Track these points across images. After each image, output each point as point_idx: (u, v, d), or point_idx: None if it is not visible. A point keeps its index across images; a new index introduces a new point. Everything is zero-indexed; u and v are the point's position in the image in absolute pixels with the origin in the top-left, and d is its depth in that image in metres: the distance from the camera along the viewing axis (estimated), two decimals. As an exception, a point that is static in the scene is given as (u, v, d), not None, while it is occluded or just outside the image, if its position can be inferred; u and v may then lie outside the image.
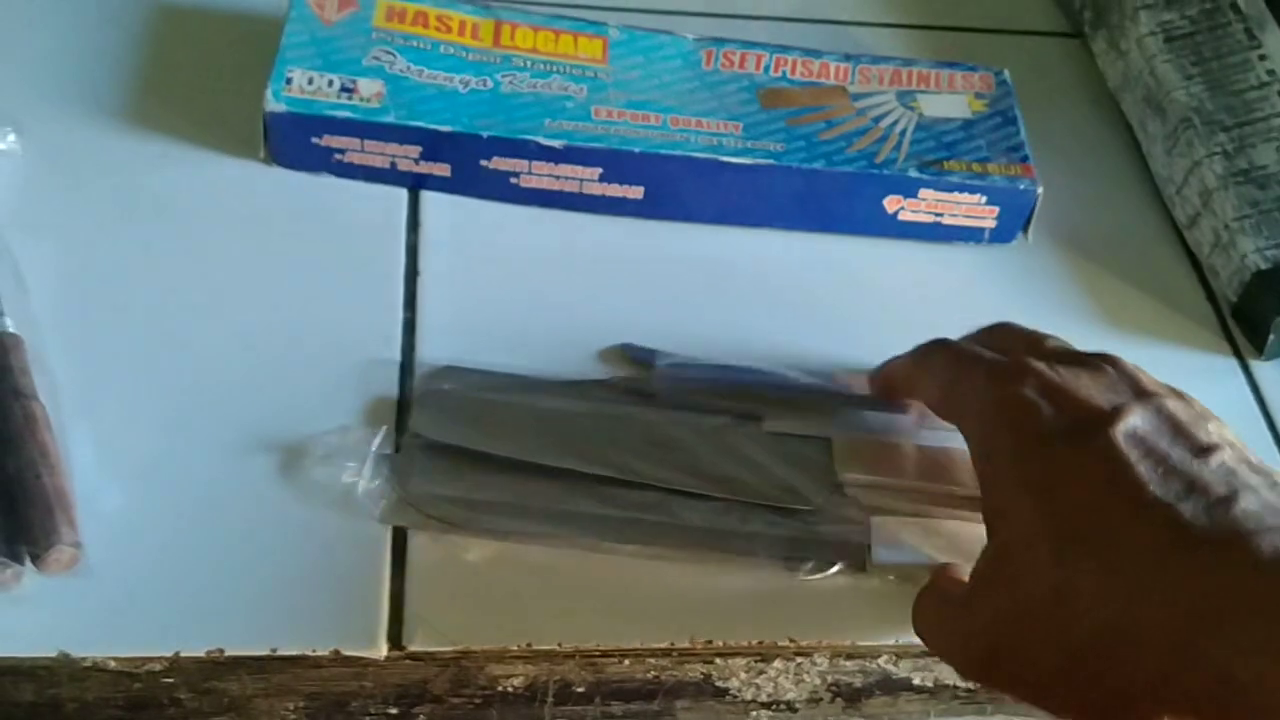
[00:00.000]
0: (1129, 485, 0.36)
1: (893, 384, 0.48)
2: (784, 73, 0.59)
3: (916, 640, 0.44)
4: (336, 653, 0.42)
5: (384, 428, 0.46)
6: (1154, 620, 0.34)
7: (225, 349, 0.49)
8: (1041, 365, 0.40)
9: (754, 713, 0.47)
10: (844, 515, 0.46)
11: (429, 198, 0.55)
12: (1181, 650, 0.33)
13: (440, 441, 0.46)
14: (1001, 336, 0.45)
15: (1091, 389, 0.39)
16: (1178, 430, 0.38)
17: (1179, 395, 0.40)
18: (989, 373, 0.41)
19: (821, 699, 0.47)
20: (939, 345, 0.45)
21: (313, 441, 0.45)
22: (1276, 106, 0.58)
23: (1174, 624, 0.33)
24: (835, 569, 0.45)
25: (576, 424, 0.47)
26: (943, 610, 0.41)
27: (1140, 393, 0.39)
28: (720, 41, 0.60)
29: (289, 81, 0.53)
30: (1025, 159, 0.58)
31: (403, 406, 0.48)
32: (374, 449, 0.45)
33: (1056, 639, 0.36)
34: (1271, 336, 0.55)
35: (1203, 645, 0.33)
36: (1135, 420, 0.37)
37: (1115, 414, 0.37)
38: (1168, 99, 0.60)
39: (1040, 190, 0.57)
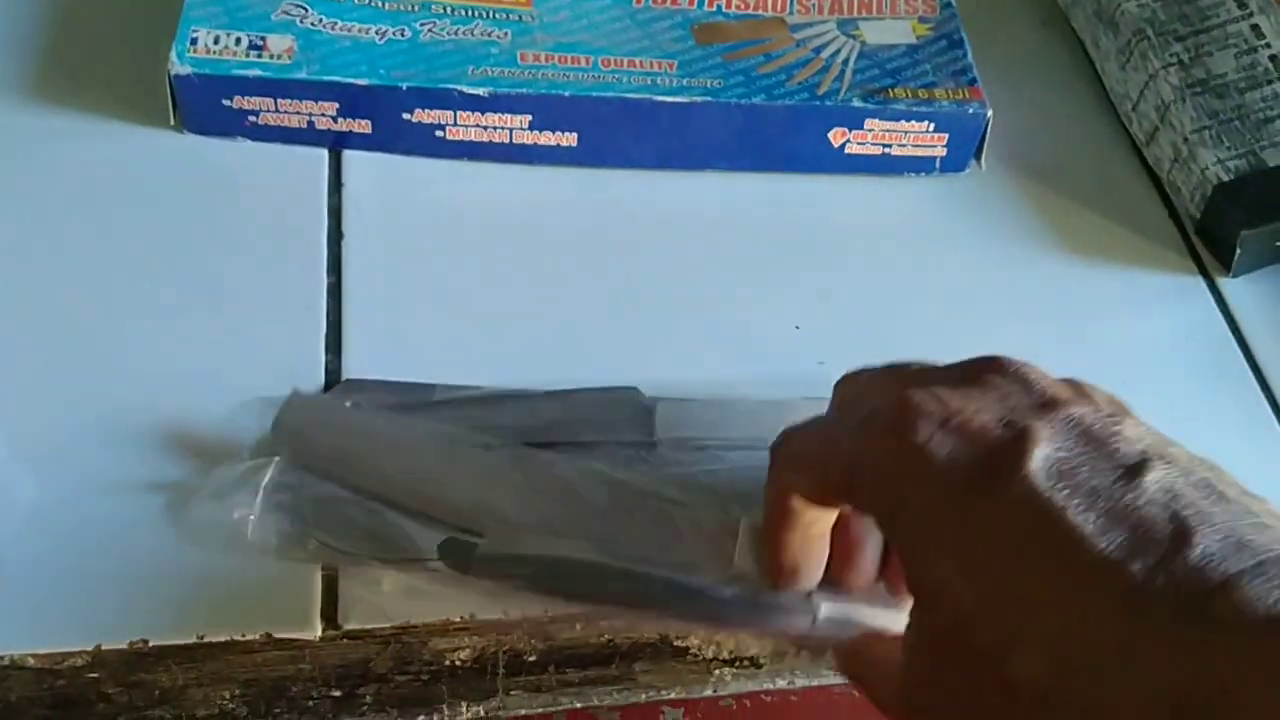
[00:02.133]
0: (1065, 544, 0.29)
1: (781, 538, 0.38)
2: (719, 7, 0.57)
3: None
4: (268, 636, 0.39)
5: (275, 459, 0.42)
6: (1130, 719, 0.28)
7: (142, 329, 0.46)
8: (920, 394, 0.33)
9: (717, 671, 0.45)
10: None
11: (351, 157, 0.53)
12: None
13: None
14: (850, 388, 0.37)
15: (985, 412, 0.32)
16: (1097, 447, 0.31)
17: (1078, 390, 0.34)
18: (864, 430, 0.34)
19: (786, 651, 0.45)
20: (782, 439, 0.37)
21: (203, 477, 0.42)
22: (1233, 11, 0.56)
23: None
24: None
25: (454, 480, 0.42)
26: (872, 675, 0.36)
27: (1041, 405, 0.33)
28: (651, -22, 0.57)
29: (194, 42, 0.51)
30: (973, 82, 0.55)
31: (330, 376, 0.46)
32: (265, 482, 0.41)
33: None
34: (1238, 251, 0.53)
35: None
36: (1047, 449, 0.31)
37: (1023, 443, 0.31)
38: (1119, 12, 0.58)
39: (990, 114, 0.54)
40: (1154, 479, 0.30)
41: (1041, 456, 0.31)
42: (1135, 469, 0.30)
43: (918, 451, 0.32)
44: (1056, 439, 0.31)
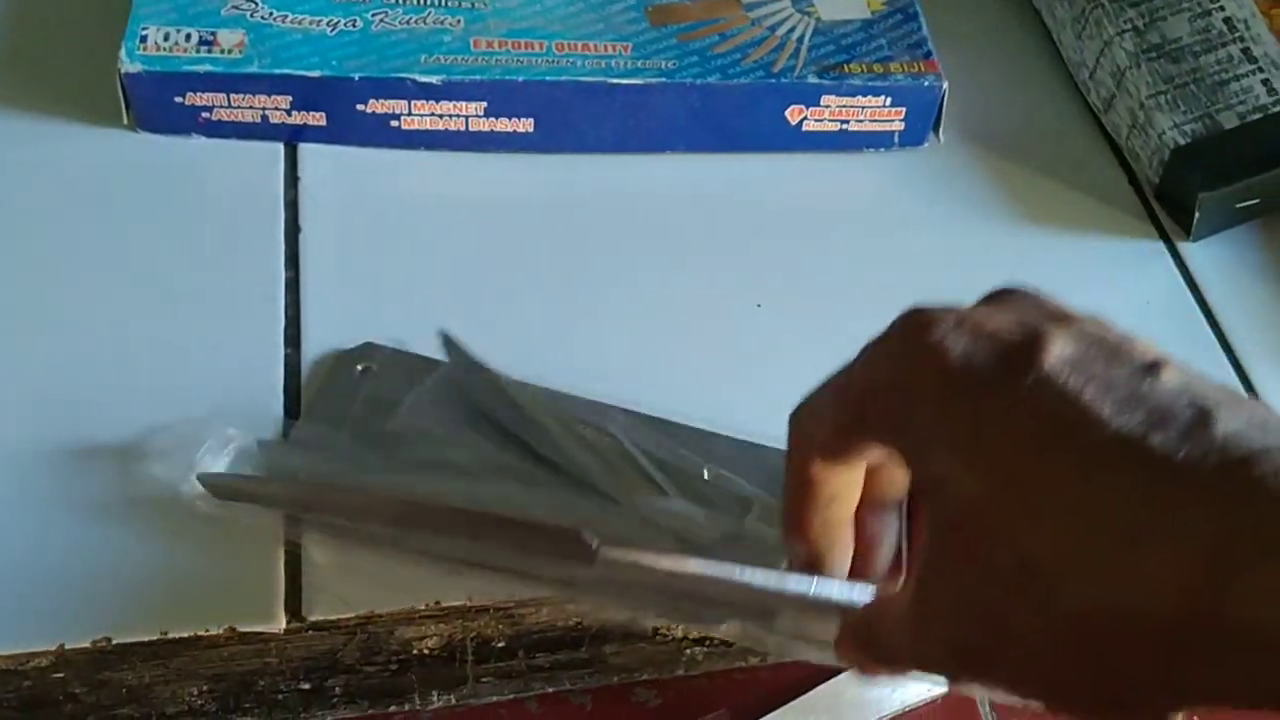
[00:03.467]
0: (1081, 423, 0.29)
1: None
2: (673, -13, 0.57)
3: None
4: (232, 630, 0.39)
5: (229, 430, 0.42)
6: (1155, 584, 0.27)
7: (100, 329, 0.46)
8: (936, 309, 0.32)
9: (688, 650, 0.45)
10: None
11: (306, 150, 0.52)
12: (1202, 616, 0.26)
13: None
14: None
15: (1002, 319, 0.31)
16: (1112, 351, 0.30)
17: (1095, 319, 0.32)
18: (874, 351, 0.33)
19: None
20: (799, 404, 0.36)
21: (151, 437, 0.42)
22: (1184, -24, 0.56)
23: (1184, 583, 0.27)
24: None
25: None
26: (882, 624, 0.34)
27: (1056, 317, 0.32)
28: (603, -39, 0.57)
29: (144, 39, 0.50)
30: (929, 55, 0.55)
31: (289, 370, 0.45)
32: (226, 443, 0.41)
33: (1034, 621, 0.29)
34: (1197, 215, 0.53)
35: (1230, 608, 0.26)
36: (1062, 346, 0.30)
37: (1039, 341, 0.30)
38: (1072, -21, 0.58)
39: (945, 86, 0.54)
40: (1170, 376, 0.29)
41: (1057, 353, 0.30)
42: (1151, 367, 0.29)
43: (930, 351, 0.31)
44: (1071, 343, 0.30)
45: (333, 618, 0.40)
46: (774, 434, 0.35)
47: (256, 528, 0.41)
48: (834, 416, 0.34)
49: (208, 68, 0.50)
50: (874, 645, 0.35)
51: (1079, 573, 0.28)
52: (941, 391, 0.30)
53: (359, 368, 0.45)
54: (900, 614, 0.32)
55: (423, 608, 0.40)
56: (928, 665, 0.33)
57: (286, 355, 0.46)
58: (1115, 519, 0.28)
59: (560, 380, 0.45)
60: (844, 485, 0.35)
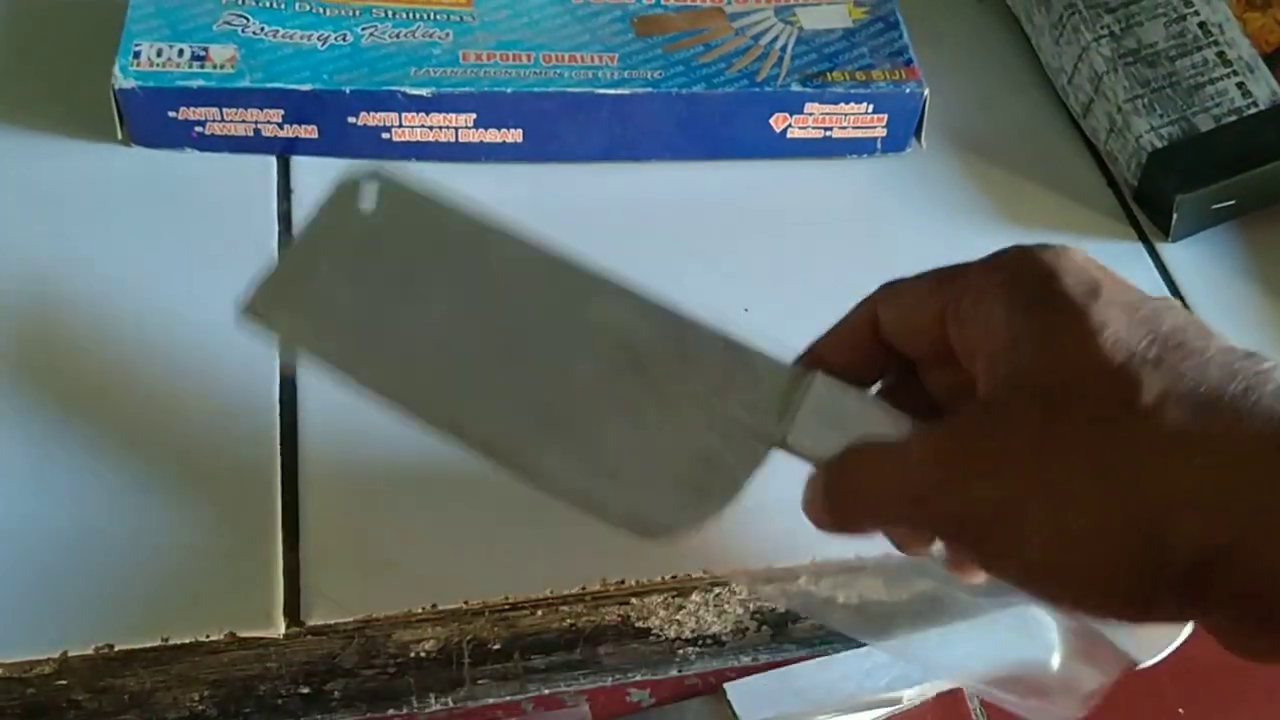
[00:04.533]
0: (1132, 354, 0.31)
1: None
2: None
3: (832, 554, 0.43)
4: (232, 635, 0.40)
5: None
6: (1187, 485, 0.29)
7: (95, 346, 0.47)
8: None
9: (680, 650, 0.46)
10: None
11: (299, 163, 0.53)
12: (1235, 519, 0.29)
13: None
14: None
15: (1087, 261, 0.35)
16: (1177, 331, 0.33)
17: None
18: (980, 263, 0.35)
19: (747, 629, 0.46)
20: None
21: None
22: (1160, -17, 0.57)
23: (1214, 492, 0.29)
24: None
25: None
26: (891, 462, 0.34)
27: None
28: (589, -27, 0.58)
29: (137, 55, 0.51)
30: (909, 62, 0.56)
31: (284, 404, 0.45)
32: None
33: (1046, 507, 0.31)
34: (1175, 216, 0.54)
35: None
36: (1132, 295, 0.34)
37: (1106, 285, 0.34)
38: (1050, -13, 0.59)
39: (926, 92, 0.55)
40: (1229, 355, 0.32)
41: (1127, 298, 0.33)
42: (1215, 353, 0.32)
43: (1023, 261, 0.34)
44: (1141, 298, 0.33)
45: (331, 621, 0.41)
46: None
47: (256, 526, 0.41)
48: (926, 286, 0.36)
49: (200, 83, 0.51)
50: (863, 489, 0.35)
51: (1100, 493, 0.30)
52: (1020, 295, 0.33)
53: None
54: (917, 461, 0.33)
55: (420, 611, 0.41)
56: (928, 520, 0.33)
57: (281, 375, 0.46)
58: (1143, 436, 0.30)
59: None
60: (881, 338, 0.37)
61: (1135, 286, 0.34)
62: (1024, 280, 0.34)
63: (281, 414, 0.45)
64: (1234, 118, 0.54)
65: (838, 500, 0.35)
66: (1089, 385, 0.31)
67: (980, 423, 0.33)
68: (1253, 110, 0.54)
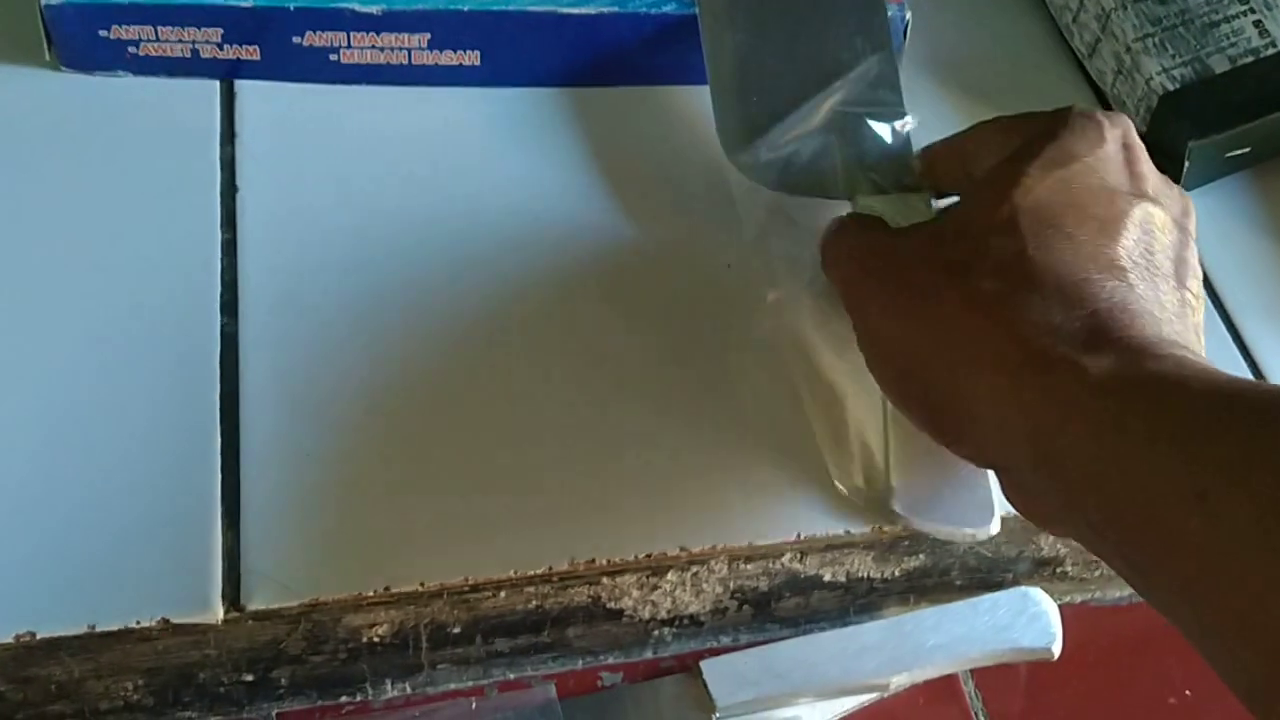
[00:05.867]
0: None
1: (942, 162, 0.44)
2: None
3: (819, 531, 0.40)
4: (166, 621, 0.37)
5: None
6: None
7: (17, 289, 0.43)
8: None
9: (655, 631, 0.43)
10: None
11: (243, 93, 0.49)
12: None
13: None
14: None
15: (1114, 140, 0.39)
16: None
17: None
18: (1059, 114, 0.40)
19: (727, 608, 0.43)
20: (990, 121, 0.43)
21: None
22: (1172, -88, 0.53)
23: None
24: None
25: None
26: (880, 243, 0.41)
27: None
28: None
29: (66, -32, 0.47)
30: (893, -17, 0.52)
31: (225, 367, 0.42)
32: None
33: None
34: (1187, 164, 0.51)
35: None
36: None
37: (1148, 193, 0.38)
38: (1054, -83, 0.55)
39: (909, 15, 0.51)
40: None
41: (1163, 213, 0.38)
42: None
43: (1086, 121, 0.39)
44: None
45: (274, 606, 0.37)
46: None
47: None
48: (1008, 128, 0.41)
49: (133, -2, 0.47)
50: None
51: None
52: (1057, 148, 0.38)
53: None
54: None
55: (371, 594, 0.38)
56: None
57: (223, 324, 0.43)
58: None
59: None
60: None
61: (1147, 191, 0.38)
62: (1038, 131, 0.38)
63: (222, 379, 0.41)
64: (1250, 59, 0.50)
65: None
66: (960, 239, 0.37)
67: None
68: (1270, 51, 0.50)
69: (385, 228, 0.46)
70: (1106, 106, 0.55)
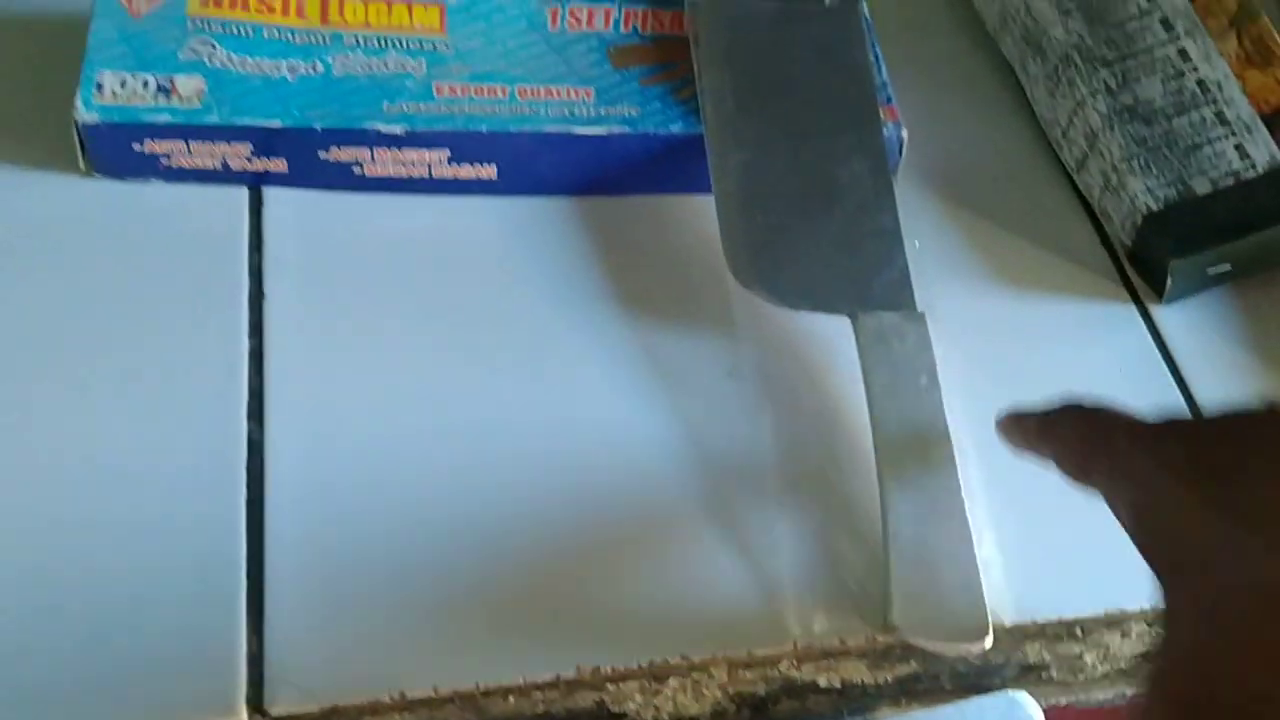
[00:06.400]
0: None
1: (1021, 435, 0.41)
2: (634, 28, 0.55)
3: (815, 641, 0.42)
4: (192, 726, 0.38)
5: None
6: None
7: (49, 394, 0.44)
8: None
9: (664, 732, 0.44)
10: None
11: (270, 201, 0.51)
12: None
13: None
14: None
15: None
16: None
17: None
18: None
19: (726, 711, 0.44)
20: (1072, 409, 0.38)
21: None
22: (1159, 35, 0.56)
23: None
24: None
25: None
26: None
27: None
28: (565, -2, 0.56)
29: (99, 87, 0.48)
30: (888, 100, 0.54)
31: (251, 474, 0.43)
32: None
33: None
34: (1169, 280, 0.53)
35: None
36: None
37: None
38: (1046, 37, 0.57)
39: (905, 134, 0.53)
40: None
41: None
42: None
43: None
44: None
45: (296, 711, 0.39)
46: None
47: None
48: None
49: (166, 117, 0.48)
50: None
51: None
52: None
53: None
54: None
55: (387, 700, 0.39)
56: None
57: (249, 430, 0.44)
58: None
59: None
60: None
61: None
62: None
63: (249, 485, 0.43)
64: (1231, 181, 0.53)
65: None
66: None
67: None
68: (1250, 174, 0.53)
69: (407, 332, 0.48)
70: (1094, 218, 0.57)
